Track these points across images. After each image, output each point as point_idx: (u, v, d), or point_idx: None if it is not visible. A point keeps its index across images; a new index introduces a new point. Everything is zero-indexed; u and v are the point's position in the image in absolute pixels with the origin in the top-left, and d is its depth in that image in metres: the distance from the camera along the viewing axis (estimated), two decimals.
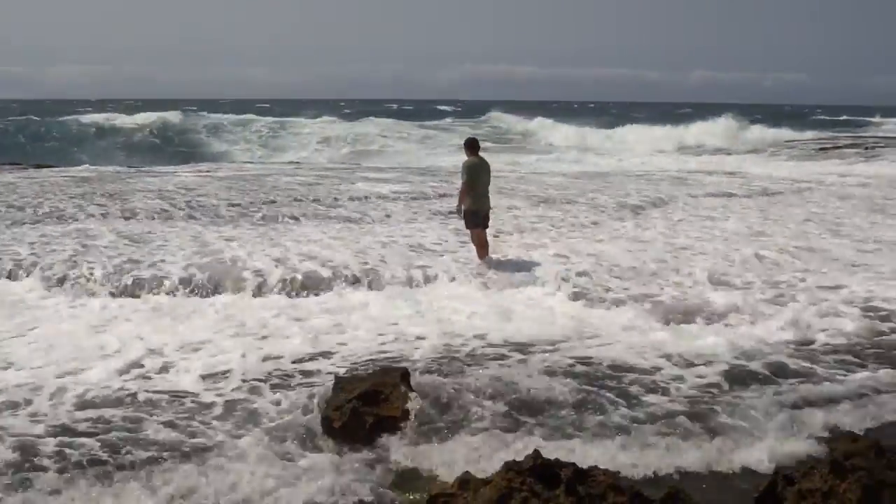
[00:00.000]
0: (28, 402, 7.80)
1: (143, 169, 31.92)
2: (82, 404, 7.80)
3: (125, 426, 7.29)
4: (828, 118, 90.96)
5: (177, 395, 8.11)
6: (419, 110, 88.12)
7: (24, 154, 40.77)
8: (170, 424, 7.35)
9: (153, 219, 17.97)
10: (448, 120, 71.62)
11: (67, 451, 6.74)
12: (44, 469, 6.43)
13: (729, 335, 9.78)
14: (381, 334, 10.08)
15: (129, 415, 7.56)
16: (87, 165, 32.47)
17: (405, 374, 7.61)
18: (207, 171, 30.10)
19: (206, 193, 22.05)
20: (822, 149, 46.39)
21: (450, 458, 6.57)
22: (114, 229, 16.30)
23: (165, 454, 6.70)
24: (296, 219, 18.23)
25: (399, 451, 6.73)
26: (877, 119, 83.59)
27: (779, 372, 8.64)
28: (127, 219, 17.89)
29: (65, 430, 7.18)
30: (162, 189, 22.90)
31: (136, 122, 54.90)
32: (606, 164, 38.98)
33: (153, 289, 12.18)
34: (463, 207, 13.29)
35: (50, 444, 6.85)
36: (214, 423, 7.44)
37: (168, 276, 12.53)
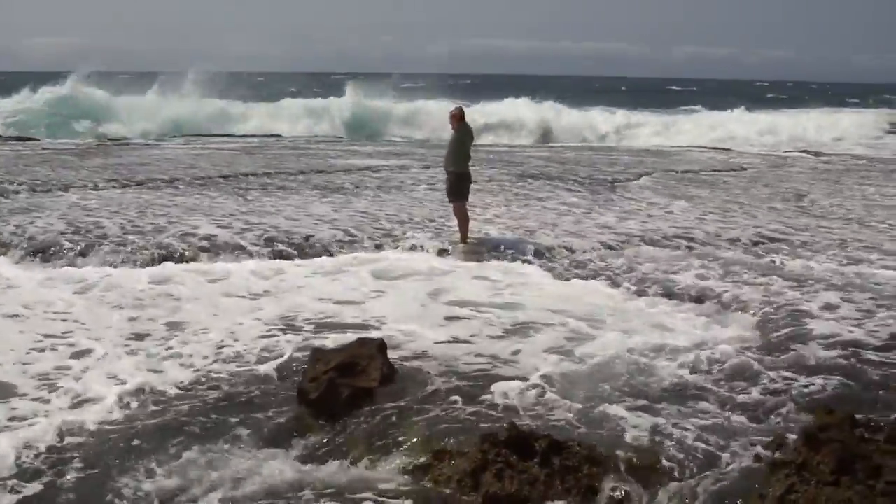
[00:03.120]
0: None
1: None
2: None
3: None
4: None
5: None
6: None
7: None
8: None
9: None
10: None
11: None
12: None
13: None
14: None
15: None
16: None
17: (382, 346, 7.56)
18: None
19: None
20: None
21: (426, 430, 6.51)
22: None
23: None
24: None
25: (375, 422, 6.67)
26: None
27: None
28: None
29: None
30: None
31: None
32: None
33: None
34: (453, 170, 13.19)
35: None
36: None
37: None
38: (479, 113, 42.25)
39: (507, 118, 44.73)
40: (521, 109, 46.59)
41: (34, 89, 44.46)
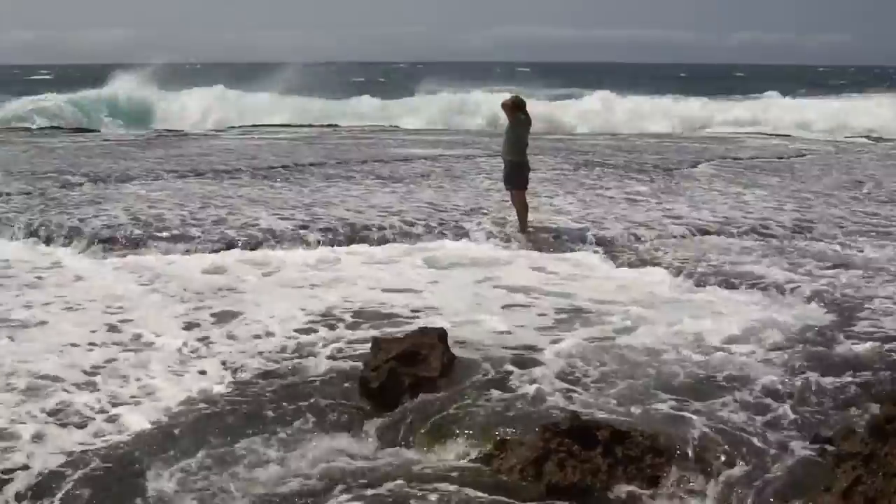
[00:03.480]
0: None
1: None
2: None
3: None
4: None
5: None
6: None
7: None
8: None
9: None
10: None
11: None
12: None
13: None
14: None
15: None
16: None
17: (443, 335, 7.61)
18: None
19: None
20: None
21: (487, 419, 6.55)
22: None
23: None
24: None
25: (436, 411, 6.72)
26: None
27: None
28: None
29: None
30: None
31: None
32: None
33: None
34: (510, 159, 13.17)
35: None
36: None
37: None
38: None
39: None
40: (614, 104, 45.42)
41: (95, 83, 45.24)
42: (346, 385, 7.37)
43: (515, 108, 12.99)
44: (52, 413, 6.92)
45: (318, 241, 12.76)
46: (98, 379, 7.66)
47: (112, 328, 9.05)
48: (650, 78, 77.31)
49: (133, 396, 7.31)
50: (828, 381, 7.20)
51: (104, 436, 6.58)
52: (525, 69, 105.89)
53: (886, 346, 8.01)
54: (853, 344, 8.12)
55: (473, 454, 6.15)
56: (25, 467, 6.01)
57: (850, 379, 7.26)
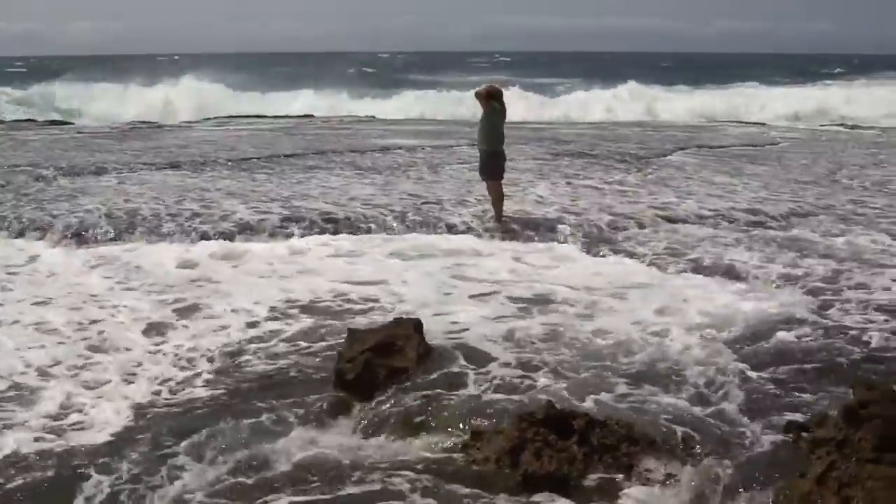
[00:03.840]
0: None
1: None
2: None
3: None
4: None
5: None
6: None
7: None
8: None
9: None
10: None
11: None
12: None
13: None
14: None
15: None
16: None
17: (418, 325, 7.57)
18: None
19: None
20: None
21: (462, 409, 6.52)
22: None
23: None
24: None
25: (411, 401, 6.69)
26: None
27: None
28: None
29: None
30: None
31: None
32: None
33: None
34: (485, 149, 13.11)
35: None
36: None
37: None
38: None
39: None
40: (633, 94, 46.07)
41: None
42: (319, 376, 7.35)
43: (490, 98, 12.90)
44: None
45: (302, 232, 12.76)
46: (60, 373, 7.60)
47: (79, 324, 8.94)
48: (635, 66, 77.65)
49: (98, 394, 7.21)
50: (799, 364, 7.28)
51: (64, 433, 6.50)
52: (506, 59, 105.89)
53: (852, 333, 8.07)
54: (822, 328, 8.20)
55: (449, 444, 6.12)
56: None
57: (821, 361, 7.33)
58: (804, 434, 5.77)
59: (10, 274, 10.80)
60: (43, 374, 7.57)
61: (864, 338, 7.92)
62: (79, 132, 29.19)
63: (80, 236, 12.59)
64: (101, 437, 6.39)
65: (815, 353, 7.59)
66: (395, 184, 16.71)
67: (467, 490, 5.52)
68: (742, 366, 7.28)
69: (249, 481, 5.68)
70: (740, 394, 6.75)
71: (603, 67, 70.70)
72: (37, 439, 6.34)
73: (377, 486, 5.55)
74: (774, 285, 9.86)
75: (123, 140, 25.66)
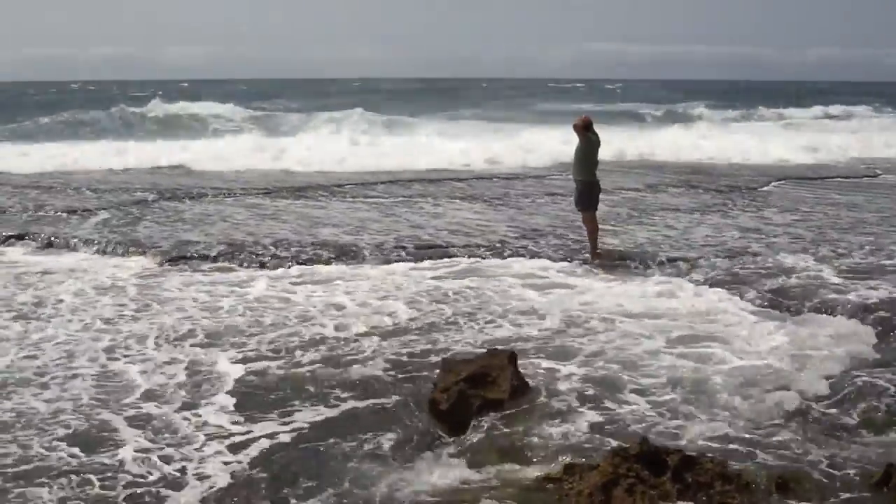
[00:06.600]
0: None
1: None
2: None
3: None
4: None
5: None
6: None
7: None
8: None
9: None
10: None
11: None
12: None
13: None
14: None
15: None
16: None
17: (512, 357, 7.62)
18: None
19: None
20: None
21: (555, 443, 6.55)
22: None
23: None
24: None
25: (505, 434, 6.74)
26: None
27: None
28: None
29: None
30: None
31: None
32: None
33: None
34: (581, 179, 13.13)
35: None
36: None
37: None
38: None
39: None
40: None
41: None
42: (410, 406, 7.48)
43: (585, 129, 12.99)
44: None
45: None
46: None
47: None
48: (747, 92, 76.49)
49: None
50: None
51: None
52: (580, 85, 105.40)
53: None
54: None
55: (541, 478, 6.14)
56: None
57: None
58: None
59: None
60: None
61: None
62: None
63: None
64: None
65: None
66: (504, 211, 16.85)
67: None
68: (844, 409, 7.17)
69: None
70: (844, 437, 6.62)
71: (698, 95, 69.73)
72: None
73: None
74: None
75: None
